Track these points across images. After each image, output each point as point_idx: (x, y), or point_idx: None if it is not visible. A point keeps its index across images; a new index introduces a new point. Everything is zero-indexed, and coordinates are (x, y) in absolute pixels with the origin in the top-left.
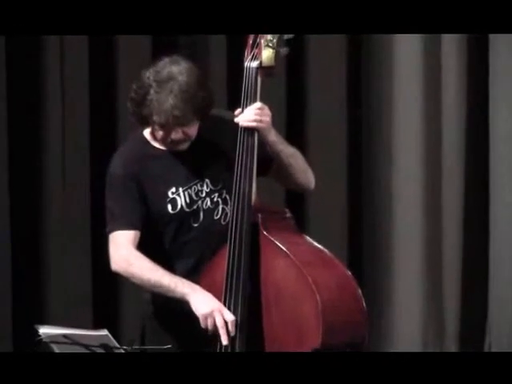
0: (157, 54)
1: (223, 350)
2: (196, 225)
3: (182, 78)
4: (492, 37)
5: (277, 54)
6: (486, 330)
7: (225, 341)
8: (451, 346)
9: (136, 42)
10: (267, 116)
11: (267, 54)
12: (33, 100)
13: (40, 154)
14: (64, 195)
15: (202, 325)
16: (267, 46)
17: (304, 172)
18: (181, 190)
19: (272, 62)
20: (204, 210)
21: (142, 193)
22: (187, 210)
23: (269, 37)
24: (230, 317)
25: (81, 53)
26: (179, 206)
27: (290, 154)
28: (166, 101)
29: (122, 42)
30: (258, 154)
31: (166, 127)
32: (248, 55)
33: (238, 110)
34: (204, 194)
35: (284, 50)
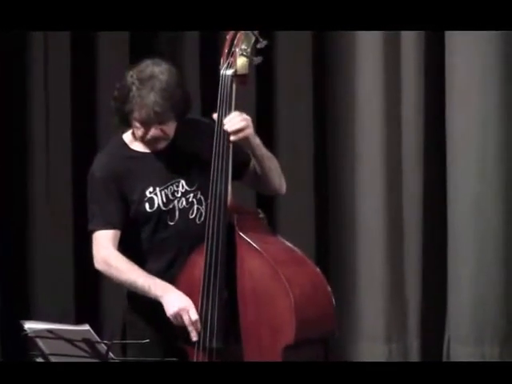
0: (134, 52)
1: (199, 346)
2: (172, 223)
3: (162, 77)
4: (448, 34)
5: (250, 63)
6: (445, 325)
7: (194, 337)
8: (413, 340)
9: (114, 41)
10: (250, 122)
11: (241, 62)
12: (16, 100)
13: (24, 152)
14: (48, 194)
15: (173, 322)
16: (242, 54)
17: (279, 176)
18: (158, 189)
19: (246, 70)
20: (179, 209)
21: (121, 193)
22: (164, 208)
23: (243, 46)
24: (194, 316)
25: (63, 51)
26: (156, 205)
27: (269, 158)
28: (147, 97)
29: (101, 40)
30: (233, 158)
31: (146, 124)
32: (223, 63)
33: (215, 115)
34: (179, 194)
35: (257, 59)
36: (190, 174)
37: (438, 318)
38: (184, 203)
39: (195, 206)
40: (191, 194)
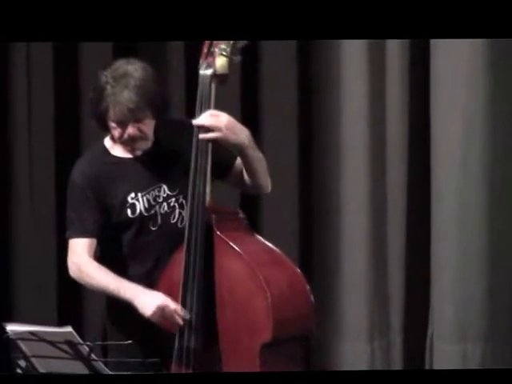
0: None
1: (180, 344)
2: (154, 228)
3: (136, 74)
4: (433, 41)
5: (230, 62)
6: (428, 323)
7: (180, 322)
8: (396, 338)
9: (97, 49)
10: (222, 122)
11: (221, 62)
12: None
13: (7, 158)
14: (31, 194)
15: (154, 322)
16: (221, 54)
17: (266, 176)
18: (140, 195)
19: (226, 70)
20: (161, 214)
21: (101, 200)
22: (145, 214)
23: (222, 45)
24: (173, 305)
25: (46, 60)
26: (138, 211)
27: (258, 159)
28: (121, 94)
29: (84, 49)
30: (218, 158)
31: (122, 122)
32: (202, 63)
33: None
34: (161, 199)
35: (237, 58)
36: (172, 179)
37: (421, 315)
38: (166, 208)
39: (177, 211)
40: (173, 199)
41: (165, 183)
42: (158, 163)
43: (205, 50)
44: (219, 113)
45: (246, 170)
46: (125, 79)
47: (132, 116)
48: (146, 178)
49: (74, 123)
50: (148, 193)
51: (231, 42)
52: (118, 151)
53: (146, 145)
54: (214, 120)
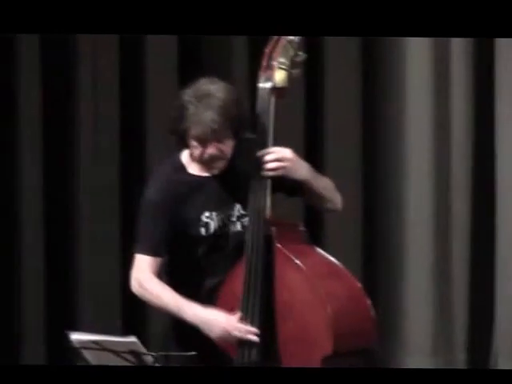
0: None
1: (240, 357)
2: (226, 247)
3: (219, 95)
4: (498, 41)
5: (289, 76)
6: (492, 339)
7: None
8: (460, 354)
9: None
10: (286, 160)
11: (280, 76)
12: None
13: (72, 170)
14: (95, 202)
15: (221, 344)
16: (280, 67)
17: (332, 199)
18: (214, 214)
19: (285, 84)
20: (234, 233)
21: (174, 217)
22: (219, 233)
23: (281, 59)
24: (244, 327)
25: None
26: (212, 230)
27: (323, 187)
28: (204, 114)
29: (149, 43)
30: (287, 180)
31: (203, 141)
32: (261, 76)
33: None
34: (235, 219)
35: (296, 72)
36: (245, 197)
37: (485, 332)
38: (239, 227)
39: None
40: (246, 218)
41: (238, 202)
42: (232, 182)
43: (264, 64)
44: (282, 150)
45: (313, 197)
46: (207, 99)
47: (214, 136)
48: (220, 197)
49: (139, 123)
50: (222, 212)
51: (290, 55)
52: (194, 168)
53: (223, 164)
54: (278, 157)
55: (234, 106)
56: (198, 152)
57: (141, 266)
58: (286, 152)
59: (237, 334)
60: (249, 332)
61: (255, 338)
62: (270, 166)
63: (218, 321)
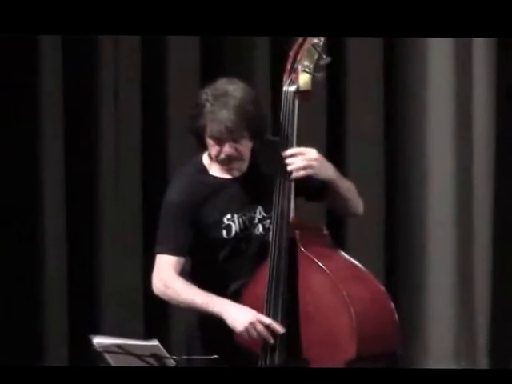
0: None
1: (263, 359)
2: (248, 249)
3: (236, 94)
4: None
5: (313, 79)
6: None
7: (271, 340)
8: (482, 357)
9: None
10: (312, 160)
11: (304, 79)
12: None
13: (96, 169)
14: (117, 205)
15: (245, 337)
16: (304, 71)
17: (355, 202)
18: (236, 216)
19: (309, 87)
20: (256, 235)
21: (196, 219)
22: (241, 235)
23: (305, 62)
24: (267, 320)
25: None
26: (233, 232)
27: (347, 189)
28: (219, 113)
29: (171, 44)
30: (312, 181)
31: (219, 140)
32: (286, 80)
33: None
34: (257, 221)
35: (320, 75)
36: (267, 200)
37: (508, 337)
38: (261, 229)
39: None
40: (268, 220)
41: (260, 204)
42: (254, 184)
43: (288, 67)
44: (308, 150)
45: (336, 198)
46: (225, 98)
47: (229, 135)
48: (242, 200)
49: (161, 124)
50: (244, 214)
51: (315, 58)
52: (215, 170)
53: (243, 165)
54: (305, 157)
55: (251, 106)
56: (214, 151)
57: (163, 267)
58: (312, 152)
59: (259, 327)
60: (273, 324)
61: (279, 329)
62: (298, 164)
63: (243, 313)
